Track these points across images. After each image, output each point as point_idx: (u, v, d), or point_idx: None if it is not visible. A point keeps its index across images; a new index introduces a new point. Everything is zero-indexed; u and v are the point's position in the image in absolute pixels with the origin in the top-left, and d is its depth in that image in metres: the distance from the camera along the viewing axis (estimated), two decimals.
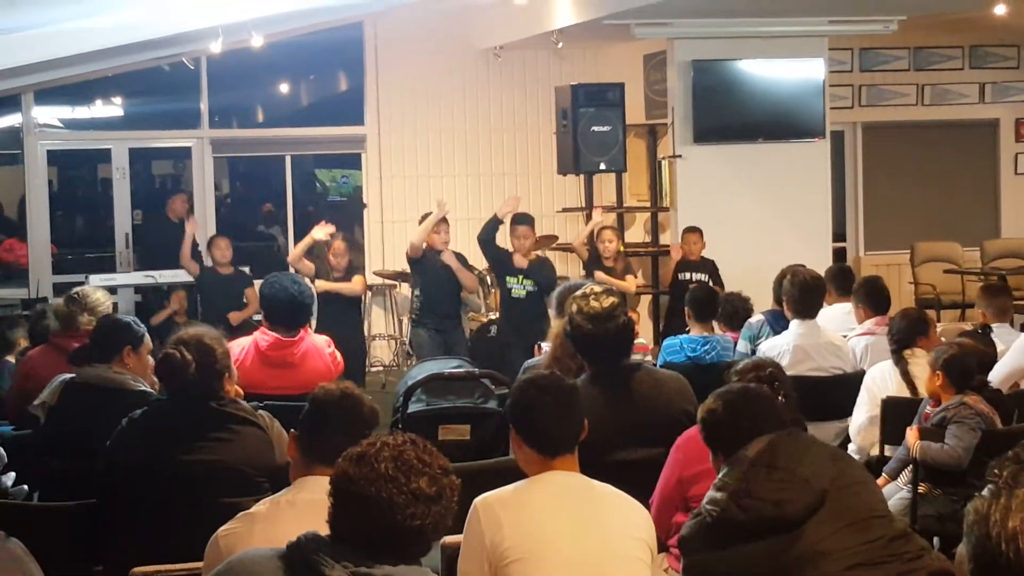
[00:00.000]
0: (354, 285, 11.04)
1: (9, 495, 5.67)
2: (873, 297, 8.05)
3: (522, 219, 10.76)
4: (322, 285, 10.55)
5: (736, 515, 3.76)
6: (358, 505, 2.93)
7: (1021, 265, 13.83)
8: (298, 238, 15.10)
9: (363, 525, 2.92)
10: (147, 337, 6.02)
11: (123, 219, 14.10)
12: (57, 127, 14.47)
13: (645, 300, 13.82)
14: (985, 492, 1.88)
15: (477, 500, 3.82)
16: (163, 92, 14.51)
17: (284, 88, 15.88)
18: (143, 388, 5.67)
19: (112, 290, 9.20)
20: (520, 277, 10.48)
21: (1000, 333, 7.65)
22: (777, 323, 8.00)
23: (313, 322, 9.30)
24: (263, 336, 6.76)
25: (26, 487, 5.78)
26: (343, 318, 10.58)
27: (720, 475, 3.92)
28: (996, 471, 1.90)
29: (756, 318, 8.12)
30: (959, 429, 5.94)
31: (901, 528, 3.82)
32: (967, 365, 6.19)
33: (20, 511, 5.21)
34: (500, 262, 10.69)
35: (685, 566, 3.97)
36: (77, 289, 7.71)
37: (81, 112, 14.83)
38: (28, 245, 13.88)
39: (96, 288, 7.56)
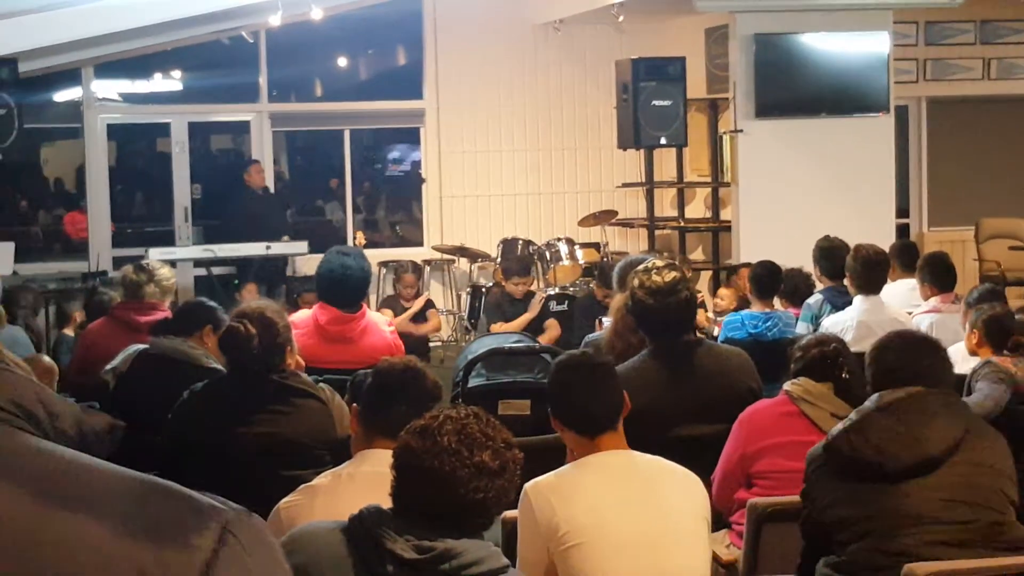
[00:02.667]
0: (431, 323, 11.35)
1: None
2: (939, 274, 7.94)
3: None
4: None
5: (841, 447, 3.95)
6: (421, 478, 2.91)
7: None
8: (356, 212, 15.18)
9: (426, 498, 2.91)
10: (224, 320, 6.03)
11: (182, 193, 14.17)
12: (117, 101, 14.53)
13: (705, 276, 13.73)
14: None
15: (527, 486, 3.76)
16: (222, 66, 14.55)
17: (343, 62, 15.87)
18: (215, 366, 5.64)
19: (172, 264, 9.22)
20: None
21: None
22: (836, 299, 7.91)
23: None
24: (322, 311, 6.75)
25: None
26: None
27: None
28: None
29: (814, 298, 8.02)
30: (984, 383, 5.90)
31: (1007, 519, 3.86)
32: (1005, 324, 6.25)
33: None
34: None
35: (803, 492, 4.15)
36: (146, 260, 7.77)
37: (140, 86, 14.89)
38: (88, 219, 13.98)
39: (163, 264, 7.60)
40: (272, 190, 14.26)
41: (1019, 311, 6.95)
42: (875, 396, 4.06)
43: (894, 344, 4.22)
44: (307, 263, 12.99)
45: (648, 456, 3.98)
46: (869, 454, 3.86)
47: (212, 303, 6.20)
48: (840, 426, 4.03)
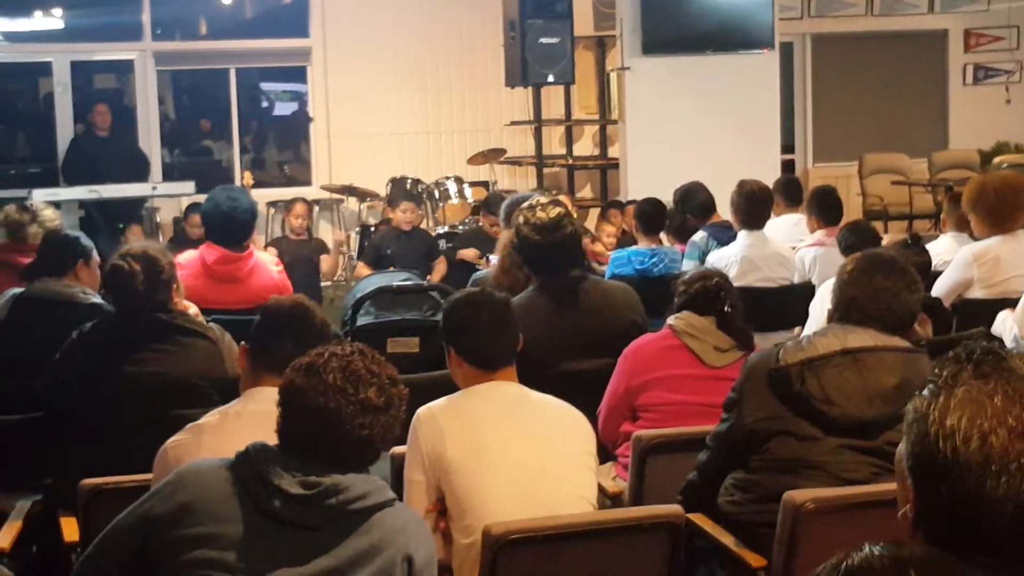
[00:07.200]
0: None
1: None
2: (826, 208, 8.08)
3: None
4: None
5: (792, 378, 3.76)
6: (307, 415, 2.93)
7: (968, 176, 13.86)
8: (244, 152, 15.03)
9: (312, 435, 2.93)
10: (95, 250, 5.97)
11: (65, 134, 13.91)
12: None
13: (593, 214, 13.81)
14: (925, 392, 1.91)
15: (420, 410, 3.86)
16: (104, 3, 14.27)
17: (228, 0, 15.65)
18: (95, 300, 5.59)
19: (56, 205, 9.08)
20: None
21: (960, 239, 7.66)
22: (721, 235, 8.01)
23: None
24: (209, 251, 6.71)
25: None
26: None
27: (827, 325, 3.96)
28: (936, 371, 1.92)
29: (699, 235, 8.10)
30: None
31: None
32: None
33: None
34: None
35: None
36: (29, 201, 7.65)
37: (21, 24, 14.58)
38: None
39: (47, 205, 7.49)
40: (159, 131, 14.05)
41: (900, 244, 7.09)
42: (841, 331, 3.85)
43: (871, 269, 3.95)
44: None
45: (537, 393, 4.05)
46: (817, 400, 3.74)
47: (74, 234, 6.11)
48: (796, 350, 3.80)
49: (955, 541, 1.84)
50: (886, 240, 7.93)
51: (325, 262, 11.33)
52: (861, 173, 14.54)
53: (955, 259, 7.07)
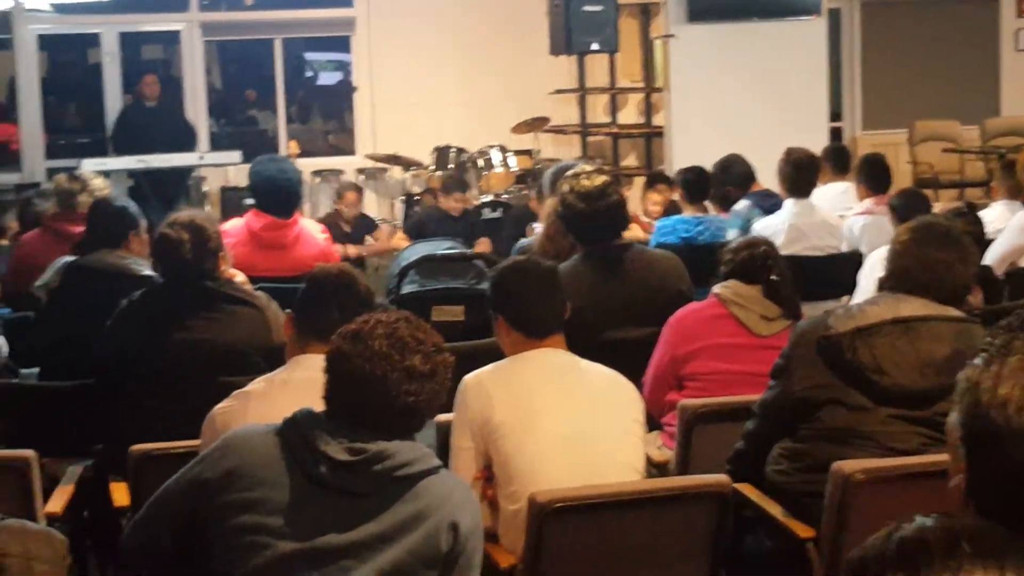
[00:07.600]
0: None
1: (20, 376, 5.66)
2: (875, 176, 8.01)
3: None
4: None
5: (843, 346, 3.72)
6: (353, 382, 2.94)
7: (1021, 143, 13.72)
8: (289, 122, 15.05)
9: (358, 402, 2.95)
10: (143, 219, 5.98)
11: (114, 104, 13.97)
12: (47, 11, 14.28)
13: (638, 182, 13.75)
14: (977, 360, 1.88)
15: (467, 377, 3.87)
16: None
17: None
18: (146, 273, 5.58)
19: (106, 174, 9.15)
20: None
21: (1013, 207, 7.58)
22: (764, 203, 7.96)
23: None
24: (256, 218, 6.74)
25: (37, 369, 5.75)
26: None
27: (878, 294, 3.92)
28: (989, 340, 1.89)
29: (742, 204, 8.04)
30: None
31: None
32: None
33: (20, 391, 5.24)
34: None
35: None
36: (79, 171, 7.69)
37: None
38: (20, 130, 13.78)
39: (97, 174, 7.53)
40: (206, 101, 14.11)
41: (953, 212, 7.03)
42: (893, 300, 3.79)
43: (926, 241, 3.88)
44: (239, 173, 12.89)
45: (585, 360, 4.05)
46: (869, 369, 3.69)
47: (121, 203, 6.06)
48: (847, 318, 3.76)
49: (1007, 512, 1.82)
50: (937, 208, 7.88)
51: (380, 234, 11.43)
52: (911, 140, 14.39)
53: (1009, 225, 7.01)
